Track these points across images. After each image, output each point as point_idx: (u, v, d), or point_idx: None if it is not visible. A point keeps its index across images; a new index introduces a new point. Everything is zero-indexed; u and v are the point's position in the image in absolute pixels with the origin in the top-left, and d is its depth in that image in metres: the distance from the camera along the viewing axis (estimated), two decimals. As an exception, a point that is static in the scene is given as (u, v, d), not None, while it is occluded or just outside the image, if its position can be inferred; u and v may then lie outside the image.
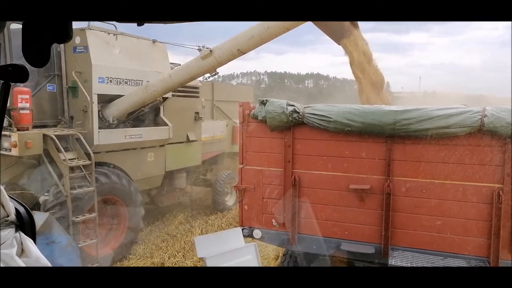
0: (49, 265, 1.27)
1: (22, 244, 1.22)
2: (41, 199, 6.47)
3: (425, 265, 4.26)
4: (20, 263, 1.17)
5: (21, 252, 1.22)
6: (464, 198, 4.26)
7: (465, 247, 4.28)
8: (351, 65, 7.42)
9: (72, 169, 6.46)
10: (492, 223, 4.13)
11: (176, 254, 7.79)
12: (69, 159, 6.50)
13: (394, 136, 4.50)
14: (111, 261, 7.12)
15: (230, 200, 10.82)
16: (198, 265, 7.06)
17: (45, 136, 6.48)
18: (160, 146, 8.72)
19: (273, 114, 4.83)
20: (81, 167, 6.61)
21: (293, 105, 4.83)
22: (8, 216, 1.21)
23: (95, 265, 6.57)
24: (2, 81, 1.20)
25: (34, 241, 1.29)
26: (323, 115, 4.70)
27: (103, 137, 7.33)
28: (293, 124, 4.84)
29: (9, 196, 1.23)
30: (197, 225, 9.42)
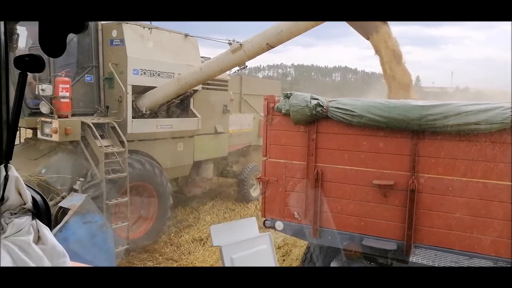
0: (64, 251, 1.25)
1: (38, 231, 1.21)
2: (77, 184, 6.69)
3: (448, 265, 4.06)
4: (37, 249, 1.16)
5: (38, 239, 1.21)
6: (491, 197, 4.01)
7: (492, 247, 4.03)
8: (381, 65, 7.23)
9: (107, 155, 6.66)
10: None
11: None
12: (105, 146, 6.71)
13: (419, 132, 4.28)
14: (140, 245, 7.29)
15: (255, 191, 10.80)
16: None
17: (83, 124, 6.74)
18: (189, 136, 8.90)
19: (296, 108, 4.71)
20: (115, 153, 6.83)
21: (317, 99, 4.69)
22: (25, 204, 1.21)
23: (125, 247, 6.79)
24: (19, 71, 1.18)
25: (50, 229, 1.28)
26: (347, 109, 4.53)
27: (136, 126, 7.55)
28: (317, 117, 4.70)
29: (26, 184, 1.22)
30: (222, 213, 9.50)
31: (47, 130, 6.56)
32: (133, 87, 7.53)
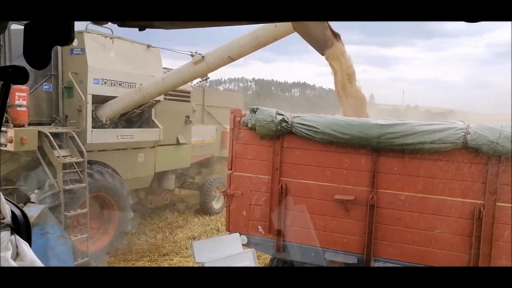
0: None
1: (17, 247, 1.18)
2: (32, 196, 6.36)
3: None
4: (15, 266, 1.13)
5: (16, 255, 1.17)
6: (446, 213, 4.19)
7: (446, 260, 4.20)
8: (334, 83, 7.40)
9: (65, 166, 6.43)
10: (473, 238, 4.07)
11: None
12: (63, 156, 6.47)
13: (379, 149, 4.42)
14: (99, 258, 7.06)
15: (217, 204, 10.68)
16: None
17: (40, 133, 6.44)
18: (151, 147, 8.69)
19: (262, 122, 4.73)
20: (74, 164, 6.59)
21: (282, 114, 4.73)
22: (3, 218, 1.18)
23: (85, 259, 6.53)
24: (2, 82, 1.17)
25: (30, 244, 1.24)
26: (310, 126, 4.61)
27: (96, 136, 7.32)
28: (282, 132, 4.74)
29: (5, 198, 1.19)
30: (185, 224, 9.48)
31: (2, 140, 6.21)
32: (93, 96, 7.32)
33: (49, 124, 7.21)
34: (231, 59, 6.56)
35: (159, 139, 8.68)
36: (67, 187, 6.32)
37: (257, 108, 4.84)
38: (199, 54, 6.94)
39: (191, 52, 8.08)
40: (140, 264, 7.27)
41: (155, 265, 7.25)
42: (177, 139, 9.42)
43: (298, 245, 4.76)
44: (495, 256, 4.01)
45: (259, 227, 4.94)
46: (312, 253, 4.70)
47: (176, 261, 7.41)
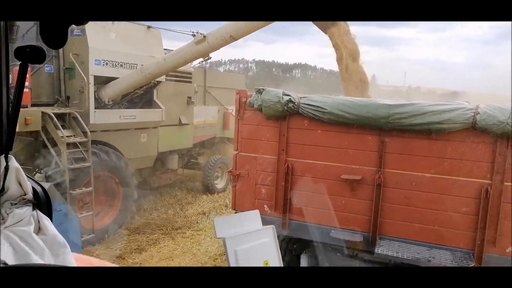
0: (65, 242, 1.24)
1: (39, 222, 1.21)
2: (38, 175, 6.37)
3: (410, 255, 4.22)
4: (38, 240, 1.15)
5: (38, 229, 1.20)
6: (453, 192, 4.20)
7: (452, 239, 4.24)
8: (337, 62, 7.35)
9: (69, 145, 6.44)
10: (479, 218, 4.09)
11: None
12: (66, 136, 6.48)
13: (387, 130, 4.40)
14: (104, 235, 7.20)
15: (220, 183, 10.74)
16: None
17: (43, 114, 6.43)
18: (153, 127, 8.69)
19: (269, 103, 4.69)
20: (78, 144, 6.61)
21: (288, 95, 4.69)
22: (25, 194, 1.20)
23: (91, 235, 6.65)
24: (20, 62, 1.17)
25: (51, 219, 1.28)
26: (318, 106, 4.57)
27: (98, 117, 7.32)
28: (288, 113, 4.71)
29: (26, 175, 1.21)
30: (195, 201, 9.70)
31: None
32: (95, 77, 7.31)
33: (52, 105, 7.17)
34: (233, 39, 6.51)
35: (161, 119, 8.70)
36: (71, 166, 6.36)
37: (263, 88, 4.79)
38: (201, 34, 6.90)
39: (193, 32, 8.04)
40: (155, 236, 7.48)
41: (169, 237, 7.49)
42: (179, 119, 9.44)
43: (304, 223, 4.78)
44: (500, 235, 4.04)
45: (265, 206, 4.96)
46: (318, 231, 4.73)
47: (189, 234, 7.70)
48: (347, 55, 7.18)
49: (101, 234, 7.06)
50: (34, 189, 1.26)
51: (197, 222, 8.34)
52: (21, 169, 1.18)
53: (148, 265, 6.29)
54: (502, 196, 4.01)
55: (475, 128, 4.03)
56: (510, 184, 3.98)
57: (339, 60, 7.25)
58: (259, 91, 4.79)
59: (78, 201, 6.65)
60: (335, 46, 7.25)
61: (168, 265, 6.28)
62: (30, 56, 1.13)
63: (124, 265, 6.31)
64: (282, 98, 4.63)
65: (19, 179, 1.18)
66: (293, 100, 4.64)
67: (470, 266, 4.00)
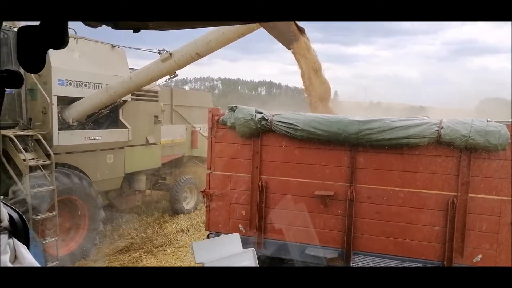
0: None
1: (15, 250, 1.16)
2: None
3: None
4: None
5: (15, 258, 1.16)
6: (421, 205, 4.33)
7: (422, 252, 4.35)
8: (301, 75, 7.64)
9: (31, 169, 6.16)
10: (447, 229, 4.23)
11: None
12: (29, 159, 6.21)
13: (357, 145, 4.50)
14: (70, 262, 6.91)
15: (189, 204, 10.53)
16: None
17: (4, 137, 6.14)
18: (120, 148, 8.48)
19: (242, 121, 4.69)
20: (41, 167, 6.34)
21: (261, 113, 4.72)
22: (1, 222, 1.16)
23: (55, 263, 6.34)
24: None
25: (28, 247, 1.23)
26: (290, 123, 4.62)
27: (63, 138, 7.09)
28: (262, 131, 4.73)
29: (2, 202, 1.16)
30: (172, 219, 9.70)
31: None
32: (59, 98, 7.13)
33: (13, 127, 6.87)
34: (199, 56, 6.54)
35: (128, 139, 8.52)
36: (34, 190, 6.08)
37: (236, 106, 4.79)
38: (167, 51, 6.87)
39: (158, 50, 8.00)
40: (137, 255, 7.54)
41: (151, 255, 7.56)
42: (147, 139, 9.27)
43: (279, 242, 4.76)
44: (467, 245, 4.19)
45: (240, 225, 4.90)
46: (293, 249, 4.72)
47: (170, 251, 7.76)
48: (309, 69, 7.49)
49: (66, 261, 6.72)
50: (10, 216, 1.20)
51: (177, 240, 8.45)
52: None
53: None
54: (467, 207, 4.17)
55: (440, 142, 4.20)
56: (474, 195, 4.15)
57: (303, 74, 7.53)
58: (232, 109, 4.79)
59: (41, 227, 6.34)
60: (298, 61, 7.54)
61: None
62: (7, 80, 1.09)
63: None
64: (255, 115, 4.65)
65: None
66: (266, 117, 4.67)
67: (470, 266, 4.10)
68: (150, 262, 7.25)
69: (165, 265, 7.06)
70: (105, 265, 7.03)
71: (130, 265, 7.09)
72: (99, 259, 7.34)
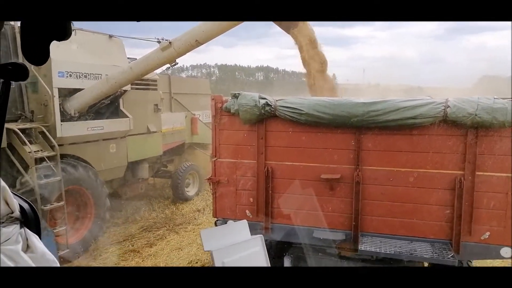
0: (55, 259, 1.22)
1: (27, 240, 1.18)
2: None
3: (392, 249, 4.28)
4: (26, 258, 1.12)
5: (27, 247, 1.17)
6: (428, 185, 4.30)
7: (430, 231, 4.34)
8: (300, 51, 7.80)
9: (36, 161, 6.21)
10: (454, 208, 4.21)
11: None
12: (34, 151, 6.25)
13: (362, 127, 4.45)
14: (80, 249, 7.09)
15: (192, 190, 10.56)
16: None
17: (8, 130, 6.14)
18: (122, 137, 8.49)
19: (245, 107, 4.62)
20: (46, 158, 6.39)
21: (265, 98, 4.64)
22: (12, 212, 1.17)
23: (65, 251, 6.49)
24: (2, 80, 1.15)
25: (39, 237, 1.25)
26: (294, 108, 4.55)
27: (65, 130, 7.12)
28: (266, 116, 4.67)
29: (13, 193, 1.18)
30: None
31: None
32: (60, 89, 7.12)
33: (16, 121, 6.88)
34: (199, 43, 6.49)
35: (129, 128, 8.52)
36: (41, 181, 6.12)
37: (238, 93, 4.72)
38: (166, 40, 6.80)
39: (157, 38, 7.92)
40: (160, 232, 8.22)
41: (173, 233, 8.21)
42: (148, 128, 9.26)
43: (287, 226, 4.75)
44: (475, 223, 4.18)
45: (247, 211, 4.89)
46: (300, 233, 4.71)
47: (190, 228, 8.45)
48: (309, 50, 7.72)
49: (74, 249, 6.83)
50: (21, 206, 1.22)
51: (195, 218, 9.11)
52: (7, 187, 1.14)
53: (161, 255, 7.04)
54: (474, 186, 4.14)
55: (446, 121, 4.15)
56: (482, 173, 4.12)
57: (301, 48, 7.74)
58: (235, 96, 4.71)
59: (50, 216, 6.43)
60: (298, 43, 7.75)
61: (178, 255, 7.04)
62: (13, 73, 1.10)
63: (140, 256, 7.03)
64: (259, 101, 4.58)
65: (6, 198, 1.14)
66: (269, 103, 4.60)
67: (471, 265, 4.11)
68: (173, 238, 7.89)
69: (187, 240, 7.73)
70: (131, 244, 7.59)
71: (156, 241, 7.69)
72: (123, 240, 7.83)
